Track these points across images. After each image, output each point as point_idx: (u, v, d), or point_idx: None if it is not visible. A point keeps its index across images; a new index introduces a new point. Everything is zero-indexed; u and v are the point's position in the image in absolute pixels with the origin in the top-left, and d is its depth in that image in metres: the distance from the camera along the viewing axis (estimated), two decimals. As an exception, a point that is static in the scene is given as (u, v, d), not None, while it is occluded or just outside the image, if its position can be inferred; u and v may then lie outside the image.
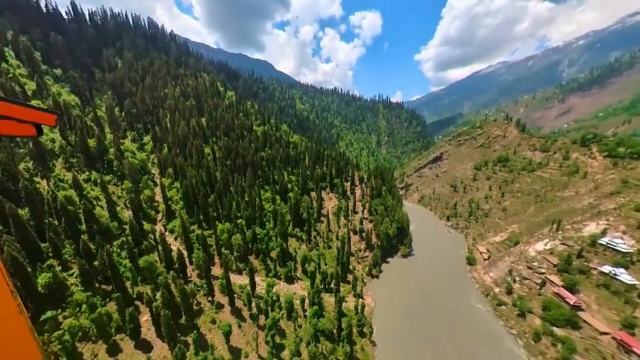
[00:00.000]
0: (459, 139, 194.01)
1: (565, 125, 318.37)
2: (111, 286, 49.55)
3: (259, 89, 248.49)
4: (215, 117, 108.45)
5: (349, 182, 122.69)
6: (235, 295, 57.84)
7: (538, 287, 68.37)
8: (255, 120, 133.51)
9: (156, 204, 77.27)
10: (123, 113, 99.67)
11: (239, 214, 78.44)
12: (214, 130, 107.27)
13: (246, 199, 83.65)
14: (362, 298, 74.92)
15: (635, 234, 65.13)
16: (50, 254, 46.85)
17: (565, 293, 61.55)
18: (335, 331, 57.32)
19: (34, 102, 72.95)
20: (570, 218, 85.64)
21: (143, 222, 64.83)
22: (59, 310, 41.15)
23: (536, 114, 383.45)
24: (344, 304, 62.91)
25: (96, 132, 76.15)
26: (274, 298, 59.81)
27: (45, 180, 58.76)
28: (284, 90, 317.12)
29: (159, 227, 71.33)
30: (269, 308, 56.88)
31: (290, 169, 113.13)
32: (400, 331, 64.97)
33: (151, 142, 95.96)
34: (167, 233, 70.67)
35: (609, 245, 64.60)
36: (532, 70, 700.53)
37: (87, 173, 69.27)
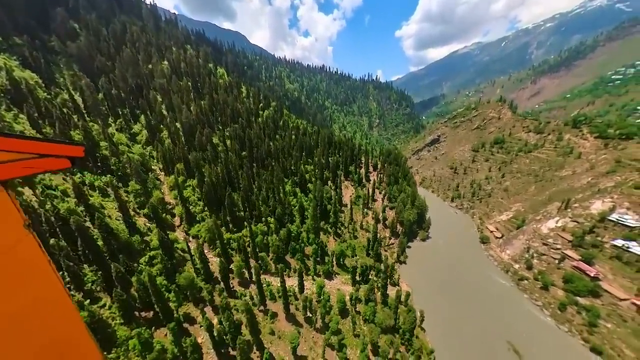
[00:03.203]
0: (455, 121, 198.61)
1: (537, 106, 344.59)
2: (152, 312, 41.95)
3: (245, 65, 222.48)
4: (218, 101, 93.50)
5: (362, 169, 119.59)
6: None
7: (557, 262, 75.20)
8: (258, 102, 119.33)
9: (170, 207, 66.42)
10: (100, 95, 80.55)
11: (268, 212, 71.41)
12: (217, 116, 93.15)
13: (270, 194, 76.12)
14: (399, 286, 76.22)
15: (639, 210, 73.07)
16: (70, 286, 37.09)
17: (584, 266, 68.36)
18: (391, 324, 57.30)
19: (-20, 82, 54.01)
20: (572, 196, 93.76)
21: (168, 232, 55.14)
22: (104, 352, 33.27)
23: (511, 94, 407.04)
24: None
25: (80, 122, 60.03)
26: (326, 298, 57.09)
27: (30, 189, 45.17)
28: (270, 68, 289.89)
29: (180, 234, 61.89)
30: (325, 311, 54.18)
31: (305, 158, 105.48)
32: (441, 314, 67.86)
33: (145, 131, 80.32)
34: (191, 240, 61.77)
35: (618, 221, 71.94)
36: (505, 51, 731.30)
37: (79, 175, 55.46)
